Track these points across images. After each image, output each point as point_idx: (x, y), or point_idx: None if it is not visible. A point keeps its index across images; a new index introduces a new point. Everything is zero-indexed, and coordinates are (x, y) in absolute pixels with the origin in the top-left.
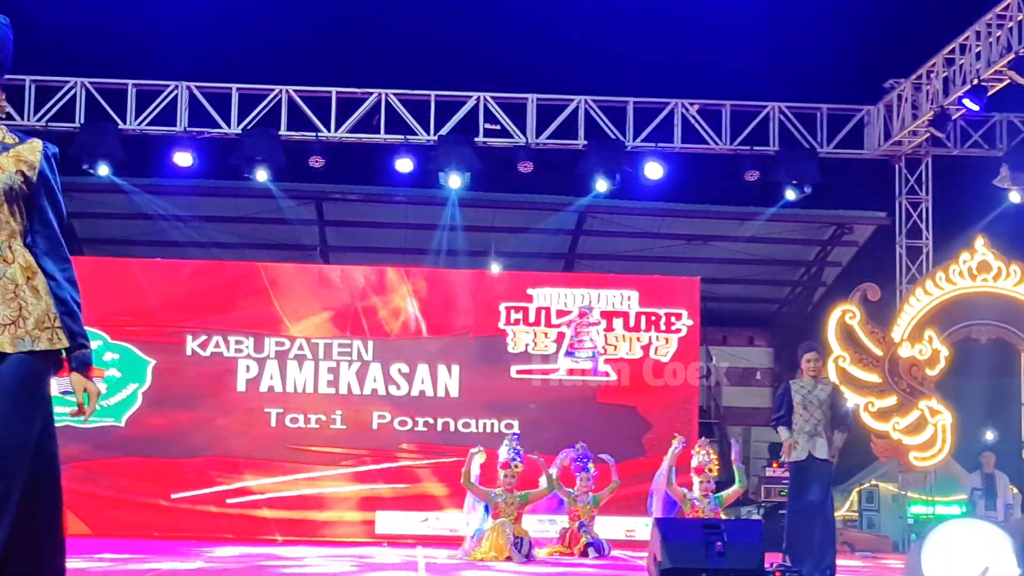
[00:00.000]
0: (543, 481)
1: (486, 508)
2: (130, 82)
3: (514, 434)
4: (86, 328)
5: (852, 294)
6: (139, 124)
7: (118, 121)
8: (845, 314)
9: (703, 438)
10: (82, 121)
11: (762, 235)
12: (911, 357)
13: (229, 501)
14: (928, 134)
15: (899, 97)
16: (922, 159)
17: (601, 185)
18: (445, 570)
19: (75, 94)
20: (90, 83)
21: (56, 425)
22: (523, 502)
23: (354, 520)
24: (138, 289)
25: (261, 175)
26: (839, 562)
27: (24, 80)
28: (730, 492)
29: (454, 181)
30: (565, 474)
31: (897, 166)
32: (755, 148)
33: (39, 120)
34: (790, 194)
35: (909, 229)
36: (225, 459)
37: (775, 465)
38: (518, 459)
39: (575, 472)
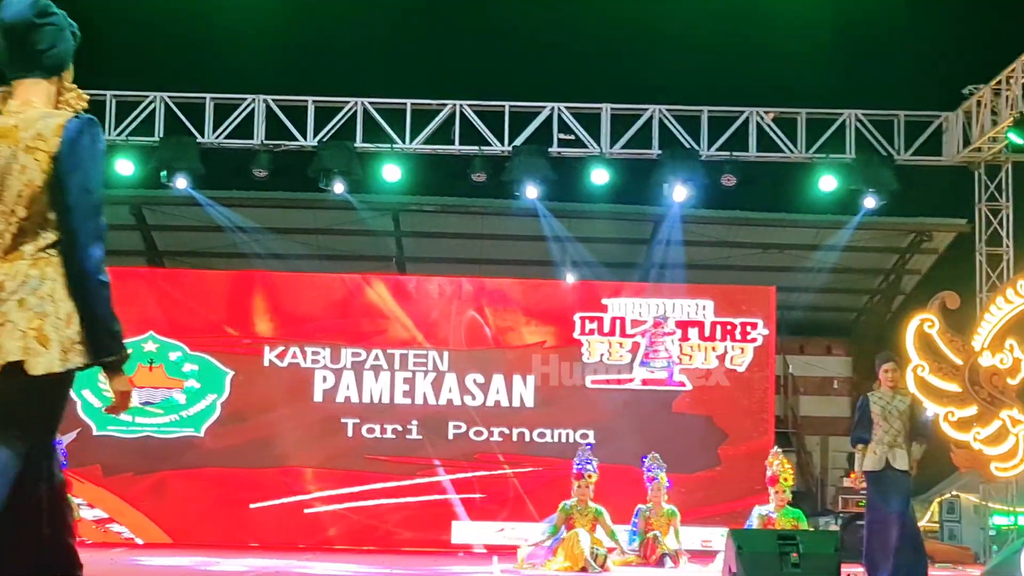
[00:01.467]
0: (609, 532)
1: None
2: (208, 96)
3: (587, 444)
4: (168, 340)
5: (931, 302)
6: (217, 137)
7: (196, 135)
8: (924, 323)
9: (776, 448)
10: (161, 135)
11: (839, 244)
12: (992, 366)
13: (307, 511)
14: (1007, 140)
15: (978, 103)
16: (1002, 165)
17: (677, 194)
18: None
19: (154, 108)
20: (169, 97)
21: (138, 436)
22: (597, 516)
23: (430, 530)
24: (217, 301)
25: (338, 187)
26: None
27: (105, 95)
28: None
29: (530, 192)
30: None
31: (976, 172)
32: (831, 156)
33: (119, 134)
34: (868, 202)
35: (989, 236)
36: (302, 469)
37: (852, 476)
38: (591, 468)
39: (647, 482)
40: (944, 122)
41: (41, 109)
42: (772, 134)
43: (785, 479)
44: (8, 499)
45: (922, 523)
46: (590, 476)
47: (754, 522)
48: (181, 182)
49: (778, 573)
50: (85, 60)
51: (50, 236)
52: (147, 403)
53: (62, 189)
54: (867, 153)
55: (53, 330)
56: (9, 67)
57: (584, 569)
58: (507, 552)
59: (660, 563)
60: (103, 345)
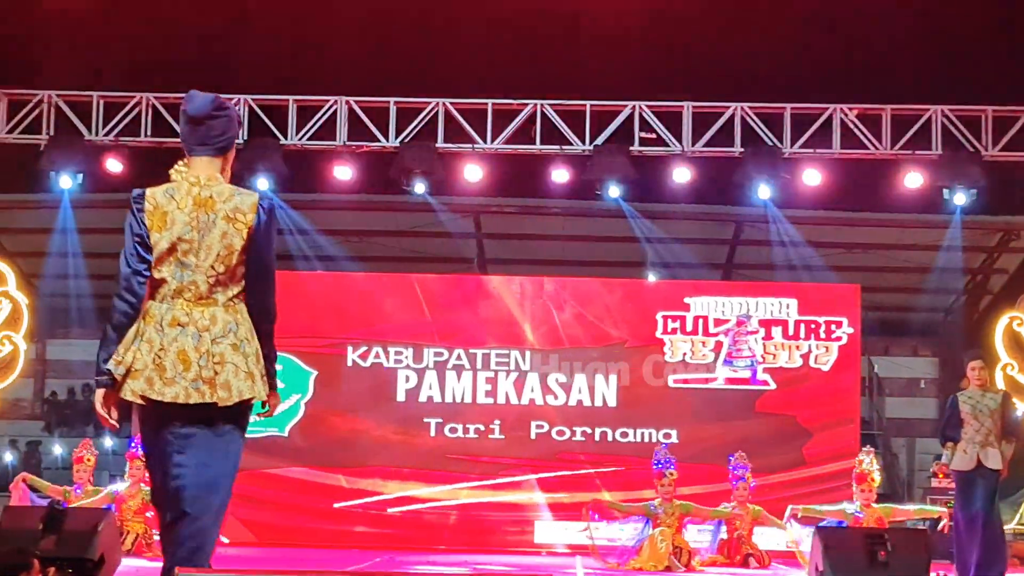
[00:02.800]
0: (723, 508)
1: (646, 520)
2: (291, 98)
3: (663, 444)
4: None
5: (1020, 300)
6: (300, 139)
7: (279, 136)
8: (1013, 321)
9: (868, 447)
10: (246, 137)
11: (925, 242)
12: None
13: (390, 511)
14: None
15: None
16: None
17: (761, 192)
18: None
19: (239, 111)
20: (252, 100)
21: None
22: (684, 512)
23: (513, 530)
24: (300, 301)
25: (419, 187)
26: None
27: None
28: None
29: (611, 191)
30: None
31: None
32: (917, 152)
33: None
34: (958, 198)
35: None
36: (386, 468)
37: (940, 476)
38: (671, 467)
39: (732, 481)
40: None
41: (229, 185)
42: (856, 131)
43: (872, 479)
44: (219, 501)
45: (1011, 525)
46: (671, 475)
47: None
48: (263, 183)
49: (866, 571)
50: (168, 65)
51: (235, 288)
52: None
53: (256, 255)
54: (954, 149)
55: (255, 366)
56: (189, 145)
57: (668, 568)
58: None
59: (745, 563)
60: (272, 376)
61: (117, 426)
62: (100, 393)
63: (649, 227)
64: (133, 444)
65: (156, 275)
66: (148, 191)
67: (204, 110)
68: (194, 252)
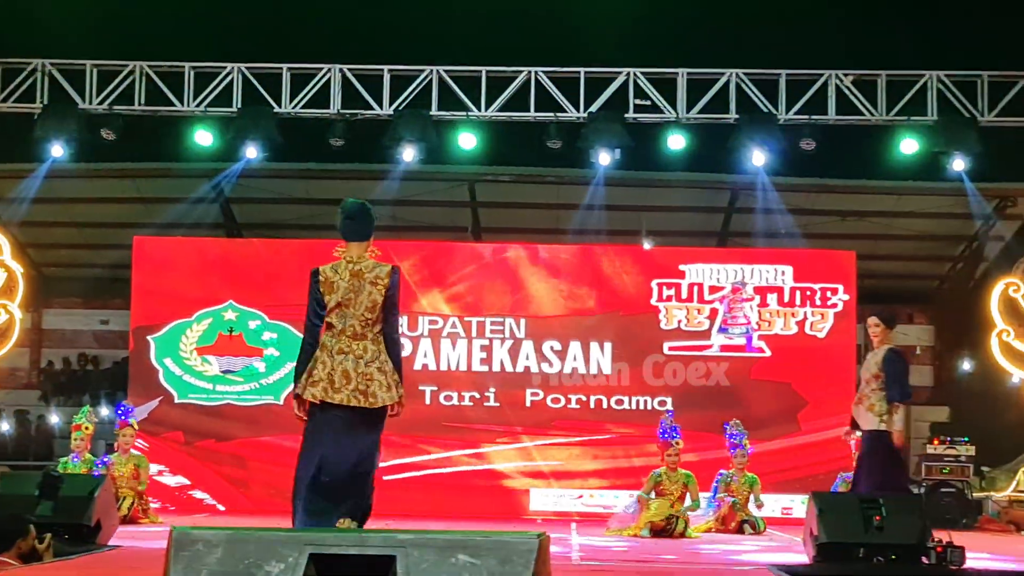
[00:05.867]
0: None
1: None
2: (285, 66)
3: (668, 411)
4: (248, 308)
5: (1016, 266)
6: (293, 107)
7: (273, 104)
8: (1008, 287)
9: None
10: (239, 105)
11: (921, 210)
12: None
13: (385, 478)
14: None
15: None
16: None
17: (756, 159)
18: (598, 547)
19: (232, 79)
20: (246, 68)
21: (218, 404)
22: (687, 483)
23: (508, 498)
24: (294, 269)
25: (408, 154)
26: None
27: (184, 67)
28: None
29: (605, 158)
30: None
31: None
32: (912, 118)
33: (198, 105)
34: (957, 164)
35: None
36: (382, 436)
37: (936, 442)
38: (677, 436)
39: (730, 448)
40: None
41: (370, 261)
42: (852, 97)
43: None
44: (370, 468)
45: (1008, 492)
46: (677, 443)
47: (839, 487)
48: (252, 151)
49: (861, 536)
50: (163, 33)
51: (378, 327)
52: (227, 371)
53: (389, 307)
54: (949, 115)
55: (391, 379)
56: (346, 235)
57: (665, 530)
58: (585, 519)
59: (739, 530)
60: (400, 383)
61: (304, 419)
62: (295, 401)
63: (644, 196)
64: (121, 412)
65: (328, 320)
66: (321, 268)
67: (356, 213)
68: (352, 306)
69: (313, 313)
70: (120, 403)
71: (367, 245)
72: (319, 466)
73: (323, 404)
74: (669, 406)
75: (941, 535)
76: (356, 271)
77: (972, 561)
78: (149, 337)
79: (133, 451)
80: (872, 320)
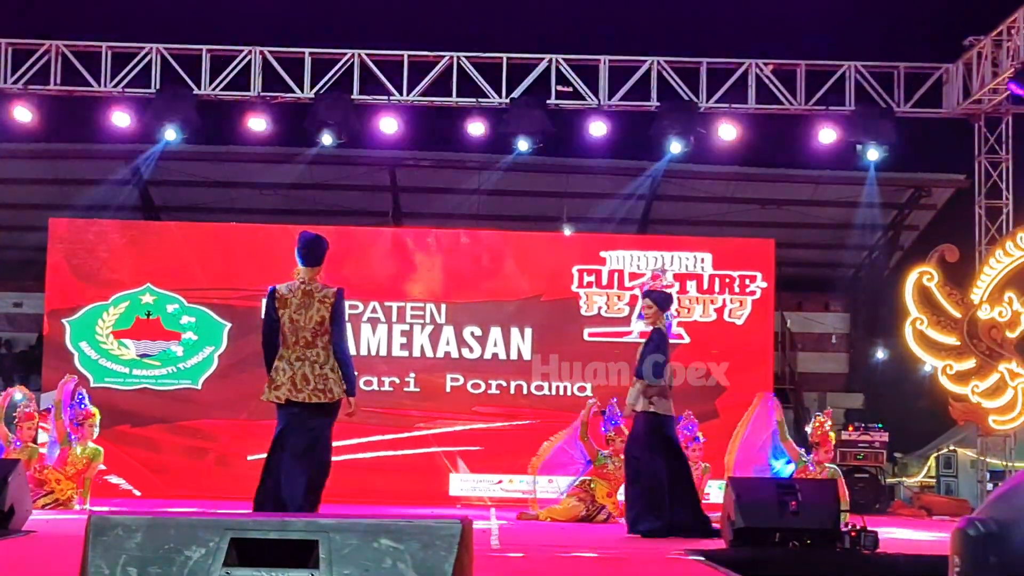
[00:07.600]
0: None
1: (586, 462)
2: (204, 47)
3: (612, 400)
4: (166, 292)
5: (930, 255)
6: (213, 89)
7: (192, 87)
8: (923, 276)
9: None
10: (158, 87)
11: (838, 198)
12: (991, 319)
13: None
14: (1008, 91)
15: (979, 55)
16: (1003, 117)
17: (674, 147)
18: (518, 532)
19: (151, 60)
20: (165, 49)
21: (135, 388)
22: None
23: (428, 483)
24: (213, 253)
25: (326, 138)
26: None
27: (101, 47)
28: None
29: (523, 144)
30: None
31: (977, 125)
32: (831, 108)
33: (116, 86)
34: (871, 154)
35: (988, 189)
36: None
37: (850, 429)
38: (621, 424)
39: (603, 431)
40: (944, 74)
41: (320, 284)
42: (771, 86)
43: (831, 439)
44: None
45: (919, 477)
46: (623, 431)
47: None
48: (172, 134)
49: (777, 521)
50: (81, 12)
51: (326, 337)
52: (144, 355)
53: (336, 320)
54: (867, 105)
55: (340, 378)
56: (302, 261)
57: (587, 517)
58: (504, 504)
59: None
60: (351, 385)
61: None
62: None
63: (565, 182)
64: (78, 399)
65: (283, 332)
66: (277, 287)
67: (311, 244)
68: (303, 320)
69: (268, 327)
70: (73, 388)
71: (318, 270)
72: (285, 446)
73: (287, 402)
74: (589, 392)
75: (855, 520)
76: (307, 290)
77: (885, 545)
78: (64, 320)
79: (91, 443)
80: (646, 302)
